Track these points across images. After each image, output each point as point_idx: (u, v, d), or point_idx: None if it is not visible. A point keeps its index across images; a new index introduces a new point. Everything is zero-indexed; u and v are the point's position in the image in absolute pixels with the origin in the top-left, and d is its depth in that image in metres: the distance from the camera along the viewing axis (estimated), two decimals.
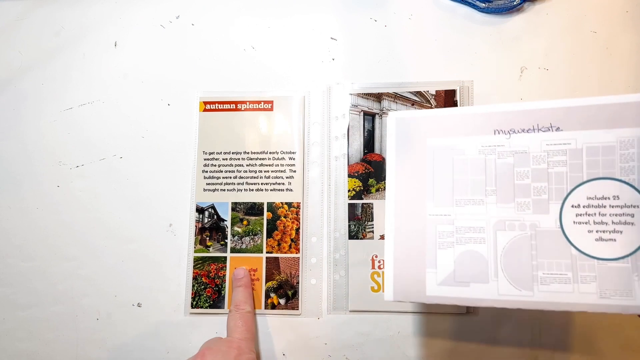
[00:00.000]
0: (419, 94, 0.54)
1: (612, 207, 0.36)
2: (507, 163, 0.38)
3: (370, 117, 0.54)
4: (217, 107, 0.56)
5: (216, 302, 0.53)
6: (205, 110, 0.56)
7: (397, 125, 0.40)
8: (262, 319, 0.53)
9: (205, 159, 0.55)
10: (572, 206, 0.36)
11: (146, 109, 0.57)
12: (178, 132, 0.56)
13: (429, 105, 0.54)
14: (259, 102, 0.55)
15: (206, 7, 0.58)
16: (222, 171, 0.55)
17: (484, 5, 0.54)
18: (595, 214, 0.36)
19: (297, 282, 0.53)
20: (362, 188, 0.53)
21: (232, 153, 0.55)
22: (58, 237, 0.56)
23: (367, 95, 0.55)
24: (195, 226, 0.55)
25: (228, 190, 0.55)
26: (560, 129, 0.36)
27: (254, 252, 0.54)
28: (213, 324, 0.53)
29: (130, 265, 0.55)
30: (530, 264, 0.37)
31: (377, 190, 0.53)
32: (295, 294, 0.53)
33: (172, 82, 0.57)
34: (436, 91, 0.54)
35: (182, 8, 0.58)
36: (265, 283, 0.53)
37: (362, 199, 0.53)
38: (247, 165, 0.55)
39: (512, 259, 0.37)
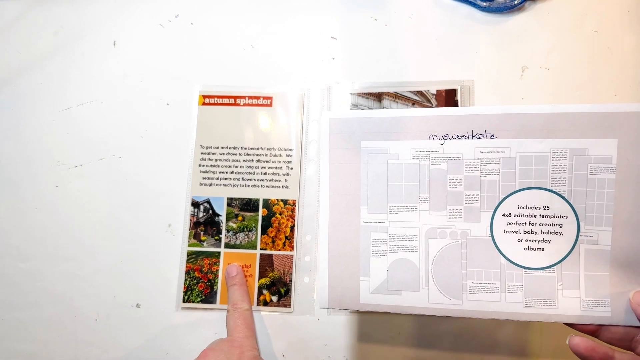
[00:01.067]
0: (419, 93, 0.54)
1: (542, 216, 0.36)
2: (440, 169, 0.37)
3: None
4: (216, 102, 0.56)
5: (208, 297, 0.53)
6: (204, 104, 0.56)
7: (330, 125, 0.39)
8: (255, 316, 0.53)
9: (202, 153, 0.55)
10: (504, 215, 0.37)
11: (145, 108, 0.57)
12: (177, 132, 0.56)
13: (430, 105, 0.53)
14: (258, 98, 0.55)
15: (206, 6, 0.58)
16: (218, 166, 0.55)
17: (485, 4, 0.54)
18: (525, 223, 0.36)
19: (290, 280, 0.53)
20: None
21: (230, 148, 0.55)
22: (56, 238, 0.56)
23: (368, 95, 0.54)
24: (190, 220, 0.54)
25: (224, 185, 0.55)
26: (495, 136, 0.36)
27: (248, 249, 0.53)
28: (209, 322, 0.53)
29: (129, 266, 0.55)
30: (460, 272, 0.37)
31: None
32: (288, 291, 0.52)
33: (171, 82, 0.57)
34: (437, 90, 0.53)
35: (182, 7, 0.58)
36: (258, 280, 0.53)
37: None
38: (244, 161, 0.55)
39: (442, 268, 0.38)
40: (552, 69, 0.53)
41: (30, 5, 0.60)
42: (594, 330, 0.37)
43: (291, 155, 0.54)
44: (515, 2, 0.53)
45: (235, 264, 0.53)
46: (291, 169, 0.54)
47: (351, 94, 0.54)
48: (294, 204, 0.54)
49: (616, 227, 0.35)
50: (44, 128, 0.57)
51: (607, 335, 0.36)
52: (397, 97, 0.54)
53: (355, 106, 0.54)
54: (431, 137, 0.37)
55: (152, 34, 0.58)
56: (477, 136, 0.36)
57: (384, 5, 0.56)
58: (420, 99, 0.54)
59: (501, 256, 0.37)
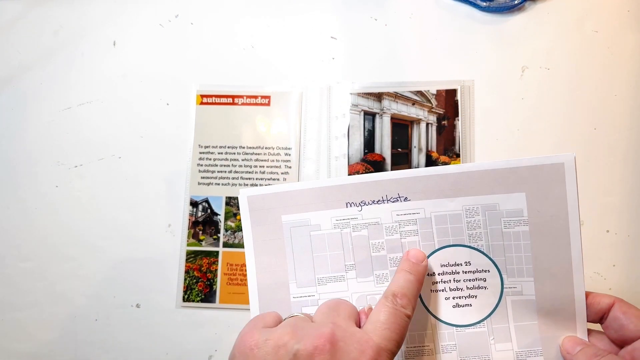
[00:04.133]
0: (419, 93, 0.54)
1: (465, 272, 0.36)
2: (362, 235, 0.37)
3: (370, 116, 0.54)
4: (214, 101, 0.56)
5: (208, 296, 0.53)
6: (202, 103, 0.56)
7: (249, 202, 0.38)
8: None
9: (200, 153, 0.55)
10: (428, 274, 0.37)
11: (145, 108, 0.57)
12: (176, 131, 0.56)
13: (430, 105, 0.53)
14: (256, 97, 0.55)
15: (205, 6, 0.58)
16: (217, 165, 0.55)
17: (485, 4, 0.54)
18: (450, 280, 0.37)
19: None
20: None
21: (228, 147, 0.55)
22: (57, 238, 0.56)
23: (368, 95, 0.54)
24: (189, 220, 0.54)
25: (223, 184, 0.55)
26: (408, 198, 0.37)
27: None
28: (208, 322, 0.53)
29: (129, 266, 0.55)
30: None
31: None
32: None
33: (171, 82, 0.57)
34: (437, 90, 0.53)
35: (181, 7, 0.58)
36: None
37: None
38: (242, 160, 0.55)
39: None
40: (552, 69, 0.53)
41: (30, 5, 0.60)
42: None
43: (289, 154, 0.54)
44: (515, 2, 0.53)
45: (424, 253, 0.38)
46: (289, 167, 0.54)
47: (351, 94, 0.54)
48: None
49: (537, 276, 0.35)
50: (44, 128, 0.57)
51: None
52: (397, 97, 0.54)
53: (354, 106, 0.54)
54: (349, 204, 0.37)
55: (152, 34, 0.58)
56: (391, 200, 0.37)
57: (384, 5, 0.56)
58: (420, 99, 0.54)
59: (431, 316, 0.37)
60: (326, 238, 0.38)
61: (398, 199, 0.37)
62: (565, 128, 0.52)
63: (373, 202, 0.37)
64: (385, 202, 0.37)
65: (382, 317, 0.31)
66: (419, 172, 0.36)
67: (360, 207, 0.37)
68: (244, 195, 0.38)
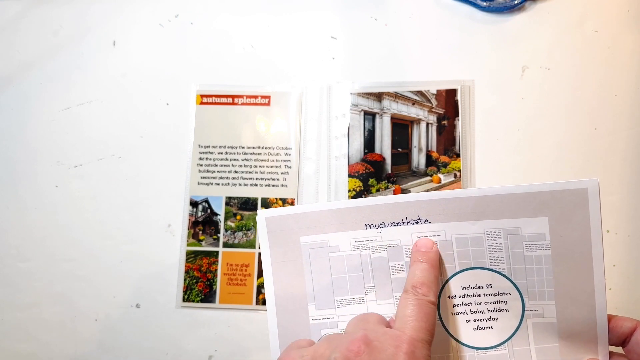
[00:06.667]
0: (419, 93, 0.54)
1: (486, 295, 0.36)
2: (381, 257, 0.37)
3: (370, 116, 0.54)
4: (214, 101, 0.56)
5: (207, 296, 0.53)
6: (202, 103, 0.56)
7: (267, 224, 0.38)
8: (253, 315, 0.53)
9: (200, 153, 0.55)
10: (449, 297, 0.36)
11: (145, 108, 0.57)
12: (177, 132, 0.56)
13: (430, 105, 0.53)
14: (256, 97, 0.55)
15: (205, 5, 0.58)
16: (217, 165, 0.55)
17: (485, 4, 0.54)
18: (471, 303, 0.36)
19: None
20: (362, 188, 0.53)
21: (228, 147, 0.55)
22: (56, 238, 0.56)
23: (368, 95, 0.54)
24: (189, 220, 0.54)
25: (222, 184, 0.55)
26: (429, 221, 0.36)
27: (246, 248, 0.53)
28: (208, 322, 0.53)
29: (128, 266, 0.55)
30: None
31: (378, 190, 0.53)
32: None
33: (171, 82, 0.57)
34: (437, 90, 0.53)
35: (181, 7, 0.58)
36: (257, 279, 0.53)
37: None
38: (242, 160, 0.55)
39: None
40: (552, 69, 0.53)
41: (30, 5, 0.60)
42: None
43: (289, 154, 0.54)
44: (515, 2, 0.53)
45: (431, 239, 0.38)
46: (289, 167, 0.54)
47: (351, 93, 0.54)
48: (292, 203, 0.54)
49: (559, 300, 0.35)
50: (44, 128, 0.57)
51: None
52: (397, 97, 0.54)
53: (354, 106, 0.54)
54: (368, 226, 0.37)
55: (152, 34, 0.58)
56: (411, 222, 0.36)
57: (384, 5, 0.56)
58: (420, 98, 0.54)
59: (452, 339, 0.37)
60: (345, 259, 0.37)
61: (418, 221, 0.36)
62: (566, 128, 0.52)
63: (393, 223, 0.37)
64: (405, 224, 0.37)
65: (408, 311, 0.32)
66: (440, 194, 0.36)
67: (379, 228, 0.37)
68: (262, 217, 0.38)
